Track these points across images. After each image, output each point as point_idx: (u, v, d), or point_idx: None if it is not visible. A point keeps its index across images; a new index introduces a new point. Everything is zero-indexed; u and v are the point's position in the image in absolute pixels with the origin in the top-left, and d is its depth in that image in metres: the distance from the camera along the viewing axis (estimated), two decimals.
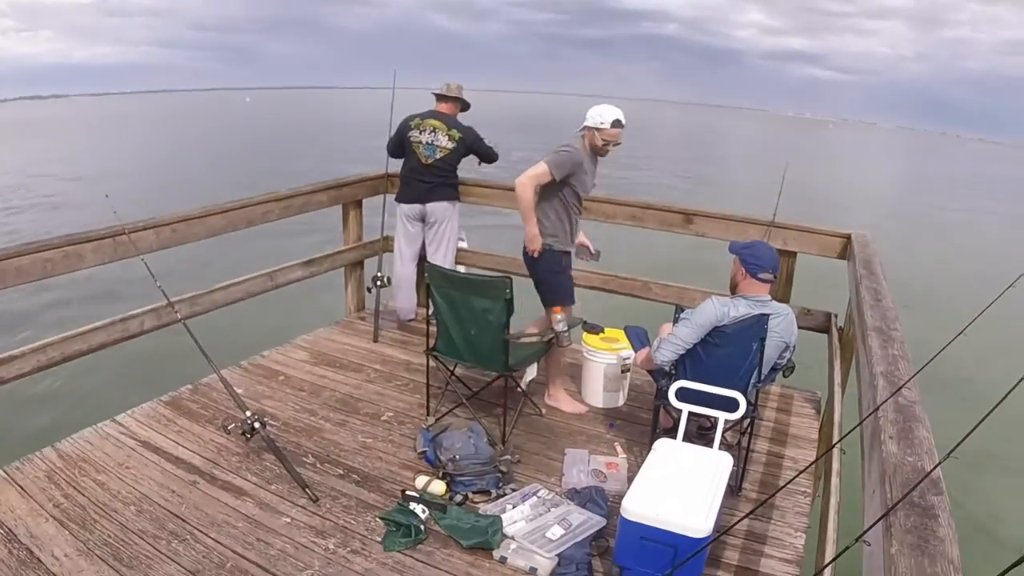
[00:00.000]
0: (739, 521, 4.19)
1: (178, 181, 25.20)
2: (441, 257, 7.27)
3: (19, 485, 4.72)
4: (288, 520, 4.51)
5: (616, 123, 5.46)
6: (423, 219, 7.30)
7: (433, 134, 7.06)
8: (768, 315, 4.58)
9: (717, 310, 4.63)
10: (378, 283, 7.36)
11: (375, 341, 7.38)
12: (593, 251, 6.19)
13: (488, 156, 7.20)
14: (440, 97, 7.17)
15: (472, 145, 7.10)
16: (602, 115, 5.45)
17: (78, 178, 28.22)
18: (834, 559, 2.38)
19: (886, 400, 2.96)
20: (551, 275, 5.78)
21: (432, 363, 5.73)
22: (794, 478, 4.63)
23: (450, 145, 7.05)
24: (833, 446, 3.46)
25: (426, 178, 7.16)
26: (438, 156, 7.07)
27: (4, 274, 4.75)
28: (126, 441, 5.32)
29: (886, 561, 2.11)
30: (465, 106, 7.23)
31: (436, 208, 7.19)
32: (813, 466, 5.19)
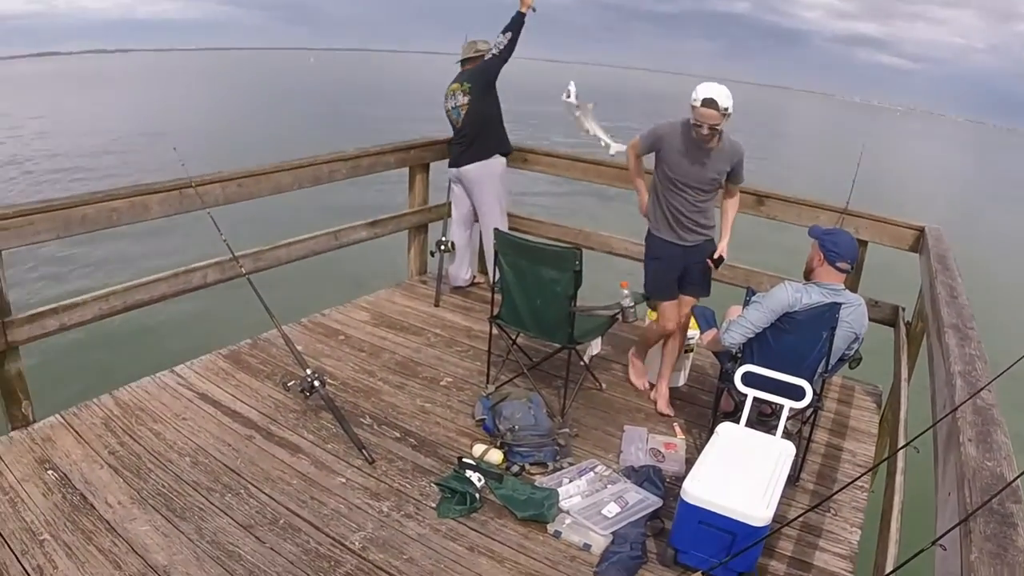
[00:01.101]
0: (801, 515, 4.11)
1: (246, 139, 25.31)
2: (485, 222, 7.23)
3: (76, 431, 4.77)
4: (343, 480, 4.51)
5: (707, 102, 4.81)
6: (462, 183, 7.26)
7: (454, 97, 7.03)
8: (841, 304, 4.48)
9: (790, 296, 4.53)
10: (442, 248, 7.34)
11: (436, 305, 7.35)
12: (714, 259, 5.48)
13: (496, 61, 6.86)
14: (462, 62, 7.11)
15: (479, 76, 6.92)
16: (697, 92, 4.90)
17: (146, 132, 28.47)
18: (907, 561, 2.30)
19: (965, 401, 2.88)
20: (645, 260, 5.68)
21: (494, 331, 5.69)
22: (861, 475, 4.58)
23: (465, 100, 6.98)
24: (907, 444, 3.36)
25: (459, 141, 7.13)
26: (463, 116, 7.01)
27: (69, 222, 4.80)
28: (184, 392, 5.35)
29: (964, 568, 2.04)
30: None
31: (469, 171, 7.12)
32: (869, 461, 5.11)
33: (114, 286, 5.23)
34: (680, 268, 5.46)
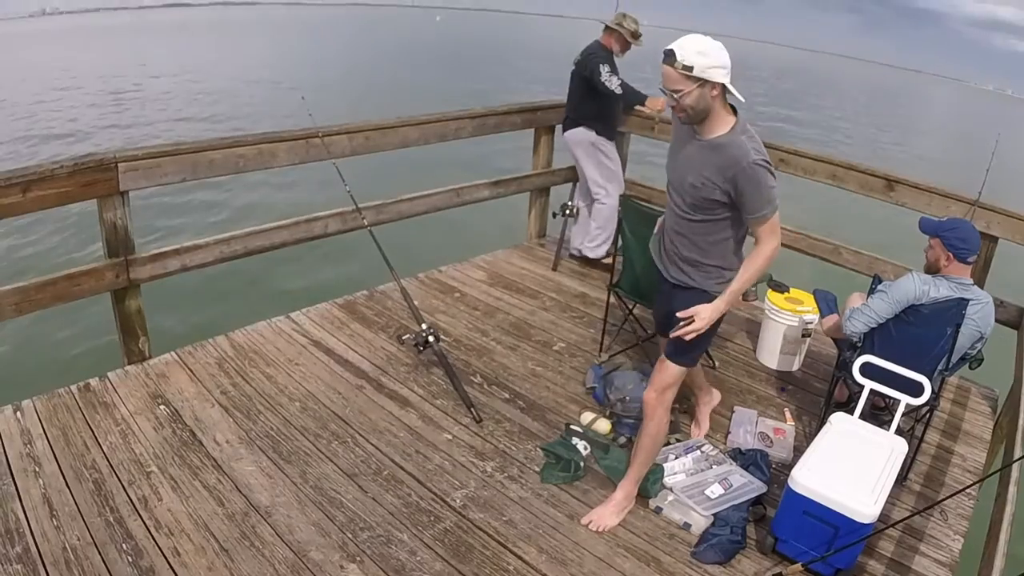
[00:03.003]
0: (909, 517, 3.97)
1: (374, 94, 25.55)
2: (585, 191, 7.15)
3: (190, 369, 4.90)
4: (449, 437, 4.53)
5: (666, 56, 3.31)
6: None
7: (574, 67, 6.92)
8: (968, 300, 4.32)
9: (917, 287, 4.37)
10: (566, 211, 7.23)
11: (554, 269, 7.30)
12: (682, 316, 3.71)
13: (592, 82, 6.65)
14: (604, 29, 6.89)
15: (585, 63, 6.72)
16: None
17: (277, 82, 28.91)
18: None
19: None
20: None
21: (612, 300, 5.63)
22: (974, 484, 4.42)
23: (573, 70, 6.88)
24: None
25: (566, 110, 7.05)
26: (569, 87, 6.95)
27: (196, 165, 4.91)
28: (298, 338, 5.44)
29: None
30: (625, 40, 6.78)
31: (569, 138, 7.01)
32: (979, 467, 4.96)
33: (235, 231, 5.34)
34: (666, 308, 4.00)
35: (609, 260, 6.72)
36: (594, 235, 7.13)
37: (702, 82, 3.26)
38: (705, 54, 3.24)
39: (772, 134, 5.21)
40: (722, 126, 3.45)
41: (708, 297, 3.68)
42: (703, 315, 3.56)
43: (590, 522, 3.98)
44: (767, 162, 3.38)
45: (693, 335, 3.58)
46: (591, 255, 7.20)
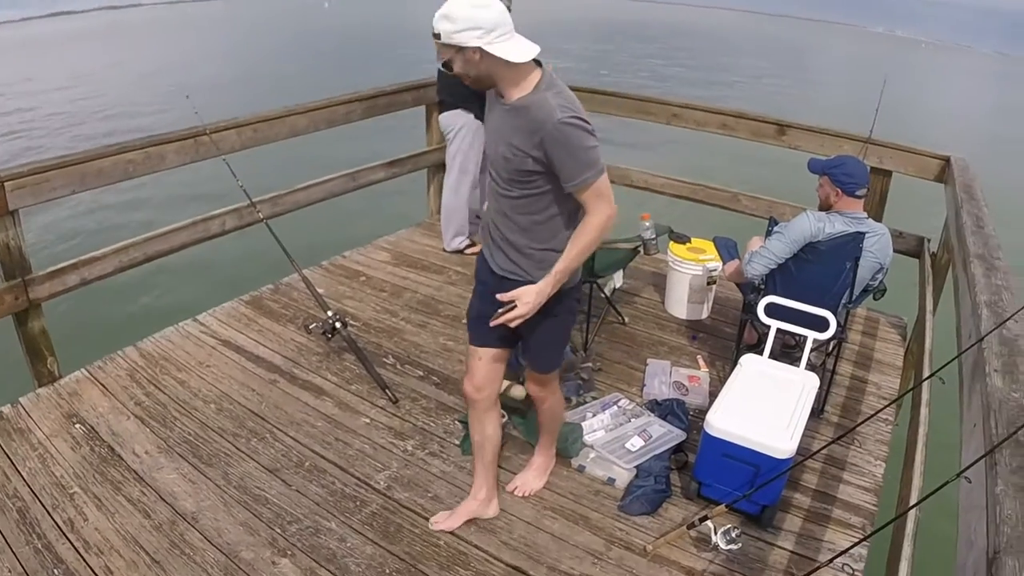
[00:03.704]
0: (825, 447, 4.07)
1: (262, 87, 25.22)
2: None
3: (101, 384, 4.82)
4: (367, 421, 4.55)
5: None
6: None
7: None
8: (865, 233, 4.42)
9: (812, 225, 4.46)
10: None
11: None
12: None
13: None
14: None
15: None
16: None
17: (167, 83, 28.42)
18: (932, 493, 2.29)
19: (991, 331, 2.85)
20: None
21: None
22: (885, 407, 4.58)
23: None
24: (932, 375, 3.33)
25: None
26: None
27: (85, 176, 4.79)
28: (207, 340, 5.39)
29: (989, 500, 2.03)
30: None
31: (444, 121, 6.80)
32: (894, 393, 5.09)
33: (132, 238, 5.24)
34: (491, 304, 3.24)
35: None
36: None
37: (456, 48, 2.89)
38: (451, 18, 2.85)
39: (667, 92, 5.21)
40: (523, 86, 3.01)
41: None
42: (525, 299, 3.10)
43: (515, 488, 4.02)
44: (579, 118, 2.90)
45: (519, 321, 3.12)
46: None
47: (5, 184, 4.35)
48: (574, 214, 3.17)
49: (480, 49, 2.86)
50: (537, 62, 3.03)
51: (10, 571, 3.39)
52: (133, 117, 20.26)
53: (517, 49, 2.90)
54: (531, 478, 4.05)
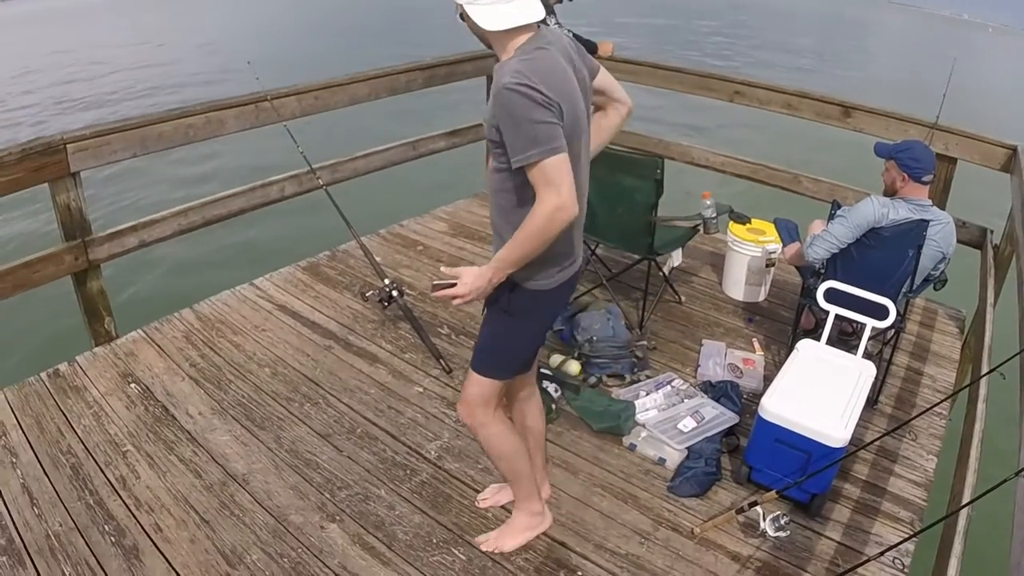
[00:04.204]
0: (879, 438, 4.02)
1: (315, 53, 25.21)
2: None
3: (157, 345, 4.89)
4: (420, 390, 4.56)
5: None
6: None
7: None
8: (929, 221, 4.33)
9: (876, 210, 4.38)
10: None
11: None
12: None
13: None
14: None
15: None
16: None
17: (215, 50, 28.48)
18: (989, 491, 2.25)
19: None
20: None
21: None
22: (942, 401, 4.47)
23: None
24: (992, 370, 3.26)
25: None
26: None
27: (145, 140, 4.86)
28: (263, 304, 5.43)
29: None
30: None
31: None
32: (949, 387, 5.00)
33: (192, 202, 5.30)
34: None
35: None
36: None
37: (458, 5, 2.65)
38: None
39: (731, 69, 5.13)
40: (508, 50, 2.70)
41: (510, 284, 2.95)
42: (465, 279, 2.79)
43: (486, 541, 3.52)
44: (528, 86, 2.50)
45: (459, 301, 2.81)
46: None
47: (68, 146, 4.42)
48: None
49: (463, 9, 2.64)
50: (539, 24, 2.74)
51: (62, 525, 3.46)
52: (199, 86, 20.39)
53: (496, 14, 2.61)
54: (506, 535, 3.54)
